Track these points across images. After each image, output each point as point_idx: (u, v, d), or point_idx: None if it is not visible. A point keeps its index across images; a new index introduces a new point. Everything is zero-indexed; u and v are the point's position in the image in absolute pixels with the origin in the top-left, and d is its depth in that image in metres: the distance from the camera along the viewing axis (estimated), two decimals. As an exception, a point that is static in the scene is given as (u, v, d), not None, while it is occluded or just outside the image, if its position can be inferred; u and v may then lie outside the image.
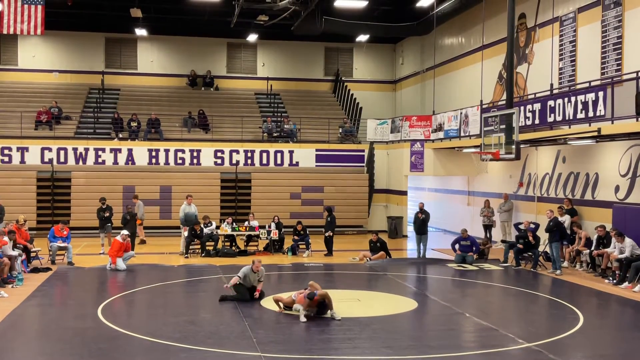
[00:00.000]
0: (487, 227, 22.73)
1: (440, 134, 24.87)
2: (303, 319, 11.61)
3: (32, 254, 17.71)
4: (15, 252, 15.85)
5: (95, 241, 21.18)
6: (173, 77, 32.53)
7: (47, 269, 16.99)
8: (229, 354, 9.49)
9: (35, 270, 16.79)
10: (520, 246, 18.12)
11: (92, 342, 10.20)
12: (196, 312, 12.73)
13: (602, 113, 15.50)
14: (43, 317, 12.38)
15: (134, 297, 14.24)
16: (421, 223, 20.05)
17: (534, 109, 18.33)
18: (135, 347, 10.04)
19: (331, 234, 20.44)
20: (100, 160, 25.88)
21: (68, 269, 17.41)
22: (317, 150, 27.54)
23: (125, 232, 17.71)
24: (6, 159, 25.29)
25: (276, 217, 21.46)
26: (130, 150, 26.13)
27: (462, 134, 22.99)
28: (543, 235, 18.04)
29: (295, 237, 20.85)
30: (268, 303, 12.99)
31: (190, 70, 32.41)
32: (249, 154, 26.94)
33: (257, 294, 13.42)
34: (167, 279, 16.01)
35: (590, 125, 16.06)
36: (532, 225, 18.60)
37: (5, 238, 15.64)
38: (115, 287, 15.32)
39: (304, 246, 20.64)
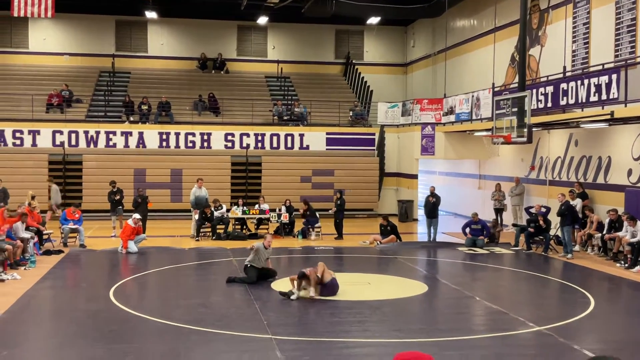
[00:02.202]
0: (498, 211, 22.65)
1: (452, 117, 24.74)
2: (294, 296, 11.86)
3: (45, 237, 17.84)
4: (28, 235, 15.97)
5: (107, 224, 21.28)
6: (183, 60, 32.47)
7: (60, 252, 17.11)
8: (240, 336, 9.54)
9: (48, 252, 16.91)
10: (532, 230, 18.07)
11: (105, 324, 10.28)
12: (207, 294, 12.79)
13: (616, 96, 15.35)
14: (55, 299, 12.48)
15: (146, 280, 14.34)
16: (432, 207, 20.01)
17: (547, 91, 18.19)
18: (147, 329, 10.10)
19: (334, 209, 20.57)
20: (111, 143, 25.95)
21: (80, 251, 17.52)
22: (327, 133, 27.48)
23: (137, 215, 17.78)
24: (18, 142, 25.41)
25: (287, 201, 21.47)
26: (141, 134, 26.19)
27: (473, 117, 22.87)
28: (554, 219, 17.97)
29: (304, 220, 20.82)
30: (278, 285, 13.02)
31: (200, 53, 32.34)
32: (260, 137, 26.92)
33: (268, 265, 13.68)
34: (178, 262, 16.09)
35: (603, 109, 15.92)
36: (543, 209, 18.52)
37: (18, 222, 15.74)
38: (127, 269, 15.41)
39: (316, 229, 20.63)
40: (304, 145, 27.20)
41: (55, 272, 14.63)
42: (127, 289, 13.19)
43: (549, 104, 18.06)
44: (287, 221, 20.91)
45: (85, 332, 9.84)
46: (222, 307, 11.56)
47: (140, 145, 26.17)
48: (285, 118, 28.08)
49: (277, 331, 9.73)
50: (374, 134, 27.87)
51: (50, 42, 31.58)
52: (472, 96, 22.92)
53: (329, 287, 12.19)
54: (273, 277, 13.61)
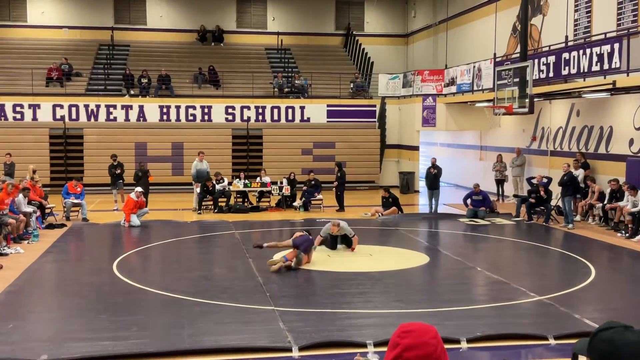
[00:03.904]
0: (500, 182, 22.67)
1: (453, 88, 24.63)
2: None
3: (47, 211, 17.89)
4: (30, 209, 16.02)
5: (109, 198, 21.33)
6: (183, 32, 32.23)
7: (62, 225, 17.18)
8: (243, 308, 9.61)
9: (51, 226, 16.98)
10: (533, 200, 18.09)
11: (108, 296, 10.36)
12: (210, 267, 12.87)
13: (618, 65, 15.27)
14: (59, 273, 12.56)
15: (149, 253, 14.41)
16: (433, 178, 20.02)
17: (548, 61, 18.08)
18: (150, 302, 10.18)
19: (336, 183, 20.60)
20: (111, 117, 25.89)
21: (83, 225, 17.59)
22: (328, 105, 27.39)
23: (139, 189, 17.80)
24: (18, 116, 25.34)
25: (292, 174, 21.47)
26: (141, 107, 26.11)
27: (475, 88, 22.77)
28: (556, 189, 17.98)
29: (305, 188, 20.87)
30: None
31: (200, 26, 32.10)
32: (260, 110, 26.83)
33: (353, 248, 13.95)
34: (180, 235, 16.15)
35: (605, 78, 15.85)
36: (545, 180, 18.53)
37: (20, 196, 15.77)
38: (130, 242, 15.49)
39: (317, 202, 20.68)
40: (305, 118, 27.13)
41: (59, 246, 14.70)
42: (130, 262, 13.26)
43: (551, 74, 17.97)
44: (289, 194, 20.94)
45: (89, 305, 9.92)
46: (225, 279, 11.63)
47: (141, 119, 26.10)
48: (285, 90, 27.96)
49: (280, 303, 9.80)
50: (374, 106, 27.77)
51: (48, 15, 31.33)
52: (474, 67, 22.79)
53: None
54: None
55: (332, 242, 14.15)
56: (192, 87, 28.01)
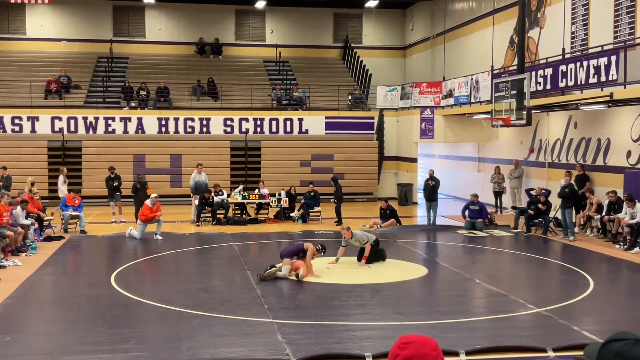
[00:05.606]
0: (498, 194, 22.68)
1: (451, 101, 24.70)
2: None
3: (45, 223, 17.87)
4: (29, 221, 15.99)
5: (107, 210, 21.31)
6: (181, 45, 32.34)
7: (60, 238, 17.15)
8: (241, 320, 9.58)
9: (49, 238, 16.95)
10: (531, 212, 18.10)
11: (106, 309, 10.33)
12: (208, 279, 12.84)
13: (615, 77, 15.32)
14: (57, 285, 12.53)
15: (147, 265, 14.39)
16: (431, 190, 20.03)
17: (546, 74, 18.15)
18: (148, 314, 10.16)
19: (336, 201, 20.55)
20: (110, 129, 25.91)
21: (81, 237, 17.56)
22: (326, 117, 27.44)
23: (154, 195, 17.60)
24: (17, 128, 25.36)
25: (292, 188, 21.41)
26: (140, 119, 26.13)
27: (472, 100, 22.84)
28: (555, 201, 17.99)
29: (303, 201, 20.85)
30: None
31: (198, 38, 32.21)
32: (259, 122, 26.87)
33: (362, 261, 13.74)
34: (178, 247, 16.13)
35: (602, 90, 15.90)
36: (544, 191, 18.55)
37: (18, 208, 15.75)
38: (128, 255, 15.44)
39: (316, 213, 20.66)
40: (303, 130, 27.16)
41: (57, 258, 14.67)
42: (128, 275, 13.21)
43: (548, 86, 18.03)
44: (287, 205, 20.93)
45: (87, 318, 9.88)
46: (223, 291, 11.61)
47: (140, 131, 26.13)
48: (284, 102, 28.01)
49: (278, 315, 9.78)
50: (373, 118, 27.82)
51: (47, 28, 31.42)
52: (471, 79, 22.87)
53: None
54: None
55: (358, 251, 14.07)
56: (191, 99, 28.06)
